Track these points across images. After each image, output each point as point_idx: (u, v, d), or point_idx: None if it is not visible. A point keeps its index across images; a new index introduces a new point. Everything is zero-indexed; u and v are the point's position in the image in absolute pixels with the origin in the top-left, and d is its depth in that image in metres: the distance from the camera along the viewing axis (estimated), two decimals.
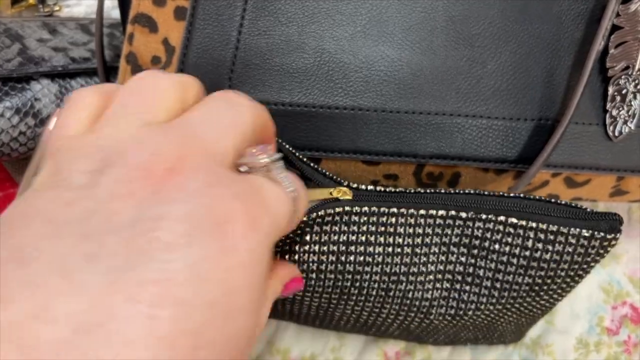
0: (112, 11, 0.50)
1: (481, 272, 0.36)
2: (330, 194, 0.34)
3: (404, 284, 0.36)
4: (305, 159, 0.34)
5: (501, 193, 0.35)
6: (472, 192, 0.35)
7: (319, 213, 0.33)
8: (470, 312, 0.37)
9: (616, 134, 0.40)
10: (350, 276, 0.35)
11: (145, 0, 0.38)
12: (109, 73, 0.43)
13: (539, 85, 0.39)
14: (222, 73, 0.38)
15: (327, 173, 0.34)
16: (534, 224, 0.33)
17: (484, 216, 0.34)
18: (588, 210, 0.34)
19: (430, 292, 0.36)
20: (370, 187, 0.35)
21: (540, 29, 0.39)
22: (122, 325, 0.18)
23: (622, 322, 0.49)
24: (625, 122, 0.39)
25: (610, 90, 0.39)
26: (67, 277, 0.18)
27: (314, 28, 0.38)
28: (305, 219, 0.33)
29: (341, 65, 0.38)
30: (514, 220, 0.34)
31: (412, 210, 0.34)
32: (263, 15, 0.38)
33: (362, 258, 0.35)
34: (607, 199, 0.44)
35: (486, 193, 0.35)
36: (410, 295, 0.36)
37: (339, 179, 0.34)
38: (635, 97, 0.39)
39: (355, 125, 0.38)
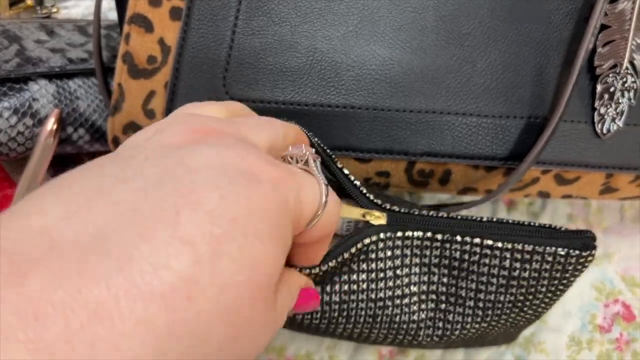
0: (109, 13, 0.51)
1: (463, 292, 0.36)
2: (364, 215, 0.34)
3: (390, 308, 0.36)
4: (346, 172, 0.34)
5: (477, 218, 0.35)
6: (447, 216, 0.35)
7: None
8: (457, 332, 0.37)
9: (604, 131, 0.40)
10: (337, 306, 0.35)
11: (141, 0, 0.39)
12: (107, 74, 0.44)
13: (528, 84, 0.40)
14: (216, 72, 0.38)
15: (364, 191, 0.35)
16: (509, 245, 0.34)
17: (458, 238, 0.35)
18: (563, 229, 0.35)
19: (416, 314, 0.37)
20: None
21: (529, 28, 0.40)
22: (144, 229, 0.19)
23: (614, 319, 0.49)
24: (613, 120, 0.40)
25: (599, 88, 0.40)
26: (100, 192, 0.20)
27: (307, 28, 0.39)
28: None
29: (333, 65, 0.39)
30: (489, 242, 0.34)
31: (389, 234, 0.34)
32: (257, 15, 0.38)
33: (346, 287, 0.35)
34: (598, 196, 0.44)
35: (460, 217, 0.35)
36: (397, 319, 0.36)
37: (374, 198, 0.35)
38: (623, 95, 0.40)
39: (347, 123, 0.39)
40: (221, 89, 0.38)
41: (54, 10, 0.52)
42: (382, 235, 0.34)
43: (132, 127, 0.40)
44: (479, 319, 0.37)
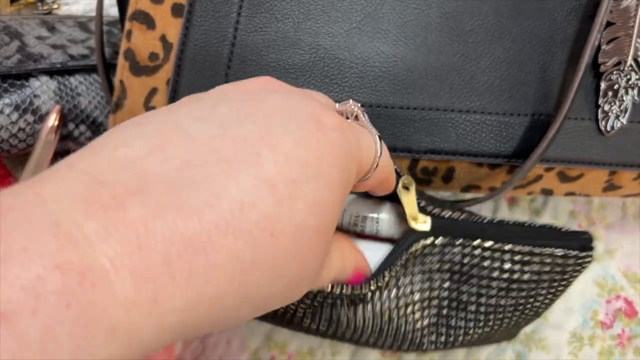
0: (111, 9, 0.50)
1: (464, 297, 0.36)
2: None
3: (394, 321, 0.36)
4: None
5: (475, 220, 0.35)
6: (447, 217, 0.35)
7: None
8: (460, 338, 0.37)
9: (608, 128, 0.40)
10: (344, 319, 0.35)
11: None
12: (108, 70, 0.43)
13: (532, 81, 0.40)
14: (218, 69, 0.38)
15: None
16: (507, 246, 0.34)
17: (457, 241, 0.35)
18: (562, 229, 0.34)
19: (419, 321, 0.36)
20: None
21: (533, 25, 0.39)
22: (229, 168, 0.20)
23: (616, 315, 0.49)
24: (617, 117, 0.40)
25: (603, 85, 0.40)
26: (179, 129, 0.21)
27: (310, 24, 0.38)
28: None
29: (336, 62, 0.38)
30: (488, 243, 0.34)
31: (437, 240, 0.35)
32: (259, 11, 0.38)
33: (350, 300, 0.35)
34: (601, 193, 0.44)
35: (461, 219, 0.35)
36: (402, 329, 0.36)
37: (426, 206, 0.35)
38: (627, 93, 0.40)
39: None
40: None
41: (55, 6, 0.52)
42: (427, 242, 0.34)
43: None
44: (481, 324, 0.36)
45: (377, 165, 0.27)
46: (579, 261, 0.34)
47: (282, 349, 0.47)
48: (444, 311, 0.36)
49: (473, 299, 0.36)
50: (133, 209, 0.18)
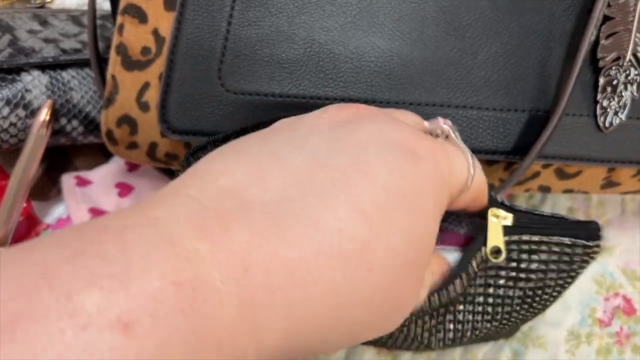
0: (104, 2, 0.50)
1: (472, 290, 0.35)
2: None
3: (405, 326, 0.35)
4: None
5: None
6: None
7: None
8: (468, 333, 0.36)
9: (607, 125, 0.40)
10: None
11: None
12: (101, 65, 0.43)
13: (529, 76, 0.39)
14: (211, 64, 0.38)
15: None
16: (515, 237, 0.33)
17: None
18: (570, 219, 0.34)
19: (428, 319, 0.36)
20: None
21: (531, 19, 0.39)
22: (325, 197, 0.21)
23: (614, 313, 0.49)
24: (616, 113, 0.39)
25: (601, 81, 0.39)
26: (275, 158, 0.22)
27: (304, 19, 0.38)
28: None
29: (331, 56, 0.38)
30: None
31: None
32: (253, 5, 0.38)
33: None
34: (599, 191, 0.44)
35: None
36: (412, 332, 0.35)
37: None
38: (626, 88, 0.39)
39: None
40: (216, 81, 0.38)
41: (48, 0, 0.51)
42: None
43: (126, 121, 0.39)
44: (489, 317, 0.36)
45: (470, 185, 0.27)
46: (588, 251, 0.33)
47: None
48: (452, 307, 0.36)
49: (480, 290, 0.35)
50: (238, 234, 0.19)
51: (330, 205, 0.21)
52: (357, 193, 0.21)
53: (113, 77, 0.39)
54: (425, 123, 0.30)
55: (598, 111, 0.40)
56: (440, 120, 0.29)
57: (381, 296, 0.21)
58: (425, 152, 0.24)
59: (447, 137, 0.29)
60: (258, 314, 0.19)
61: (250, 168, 0.22)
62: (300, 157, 0.22)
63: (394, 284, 0.22)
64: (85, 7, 0.51)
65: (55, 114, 0.42)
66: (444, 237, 0.38)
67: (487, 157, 0.39)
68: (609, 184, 0.43)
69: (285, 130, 0.25)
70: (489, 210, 0.32)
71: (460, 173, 0.26)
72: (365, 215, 0.21)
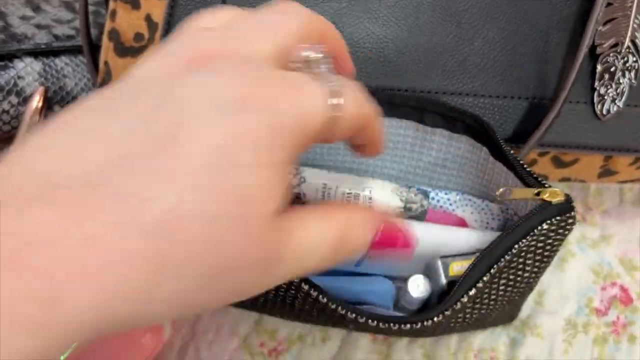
0: None
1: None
2: (537, 194, 0.33)
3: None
4: (512, 152, 0.34)
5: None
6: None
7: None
8: (453, 320, 0.36)
9: (604, 112, 0.39)
10: None
11: None
12: (95, 51, 0.43)
13: (527, 63, 0.39)
14: None
15: (531, 171, 0.34)
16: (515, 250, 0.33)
17: None
18: (536, 207, 0.33)
19: None
20: None
21: (528, 5, 0.38)
22: (133, 166, 0.20)
23: (611, 303, 0.49)
24: (613, 101, 0.39)
25: (599, 68, 0.39)
26: (94, 131, 0.21)
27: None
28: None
29: None
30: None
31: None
32: None
33: None
34: (596, 179, 0.44)
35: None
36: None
37: (540, 179, 0.34)
38: (624, 75, 0.39)
39: None
40: None
41: None
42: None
43: None
44: (477, 306, 0.36)
45: (345, 114, 0.24)
46: (562, 224, 0.33)
47: (271, 335, 0.47)
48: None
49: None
50: (36, 211, 0.19)
51: (137, 173, 0.20)
52: (167, 156, 0.20)
53: (106, 63, 0.38)
54: (298, 51, 0.26)
55: (595, 98, 0.39)
56: (301, 49, 0.25)
57: (197, 257, 0.21)
58: (258, 100, 0.22)
59: (309, 67, 0.25)
60: (58, 286, 0.18)
61: (63, 145, 0.21)
62: (118, 125, 0.21)
63: (213, 243, 0.21)
64: None
65: (48, 102, 0.42)
66: (440, 216, 0.38)
67: None
68: (606, 173, 0.43)
69: (109, 95, 0.23)
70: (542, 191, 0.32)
71: (315, 109, 0.24)
72: (173, 180, 0.20)
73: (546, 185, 0.33)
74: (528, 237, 0.32)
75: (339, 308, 0.31)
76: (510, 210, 0.38)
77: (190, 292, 0.21)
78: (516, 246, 0.32)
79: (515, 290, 0.36)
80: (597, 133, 0.40)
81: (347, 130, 0.26)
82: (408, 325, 0.31)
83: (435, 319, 0.31)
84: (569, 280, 0.49)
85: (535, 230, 0.32)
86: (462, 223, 0.39)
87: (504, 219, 0.39)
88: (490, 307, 0.36)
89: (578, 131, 0.40)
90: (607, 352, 0.47)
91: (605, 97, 0.39)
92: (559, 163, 0.42)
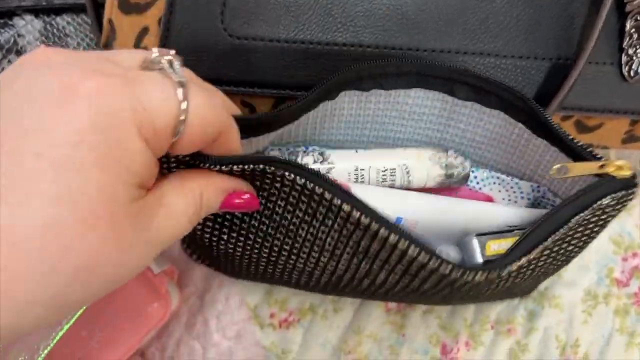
0: None
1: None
2: (602, 167, 0.31)
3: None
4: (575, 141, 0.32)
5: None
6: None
7: None
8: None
9: (632, 74, 0.38)
10: None
11: None
12: (98, 9, 0.41)
13: (550, 22, 0.37)
14: (214, 7, 0.35)
15: (584, 145, 0.32)
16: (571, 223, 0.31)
17: None
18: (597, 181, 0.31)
19: None
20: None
21: None
22: None
23: (632, 273, 0.47)
24: None
25: (628, 26, 0.37)
26: None
27: None
28: None
29: None
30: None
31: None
32: None
33: None
34: (620, 145, 0.42)
35: None
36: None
37: (595, 152, 0.32)
38: None
39: (356, 62, 0.36)
40: (219, 25, 0.36)
41: None
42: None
43: None
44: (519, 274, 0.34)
45: (184, 121, 0.24)
46: (622, 200, 0.31)
47: (282, 305, 0.45)
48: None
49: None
50: None
51: None
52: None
53: (110, 21, 0.37)
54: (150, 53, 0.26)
55: (623, 59, 0.37)
56: (155, 50, 0.25)
57: (44, 264, 0.21)
58: (87, 88, 0.21)
59: (158, 64, 0.25)
60: None
61: None
62: None
63: (55, 248, 0.21)
64: None
65: None
66: (466, 194, 0.36)
67: None
68: (630, 138, 0.41)
69: None
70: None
71: (163, 110, 0.23)
72: (19, 194, 0.20)
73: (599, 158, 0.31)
74: (588, 210, 0.30)
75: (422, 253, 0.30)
76: (541, 188, 0.37)
77: (60, 294, 0.21)
78: (574, 219, 0.30)
79: (555, 263, 0.34)
80: (624, 96, 0.38)
81: (198, 129, 0.25)
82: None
83: (477, 277, 0.30)
84: (587, 251, 0.48)
85: (596, 205, 0.30)
86: (489, 201, 0.37)
87: (534, 198, 0.37)
88: (526, 278, 0.34)
89: (604, 94, 0.38)
90: (629, 324, 0.46)
91: (634, 58, 0.37)
92: (582, 128, 0.40)
